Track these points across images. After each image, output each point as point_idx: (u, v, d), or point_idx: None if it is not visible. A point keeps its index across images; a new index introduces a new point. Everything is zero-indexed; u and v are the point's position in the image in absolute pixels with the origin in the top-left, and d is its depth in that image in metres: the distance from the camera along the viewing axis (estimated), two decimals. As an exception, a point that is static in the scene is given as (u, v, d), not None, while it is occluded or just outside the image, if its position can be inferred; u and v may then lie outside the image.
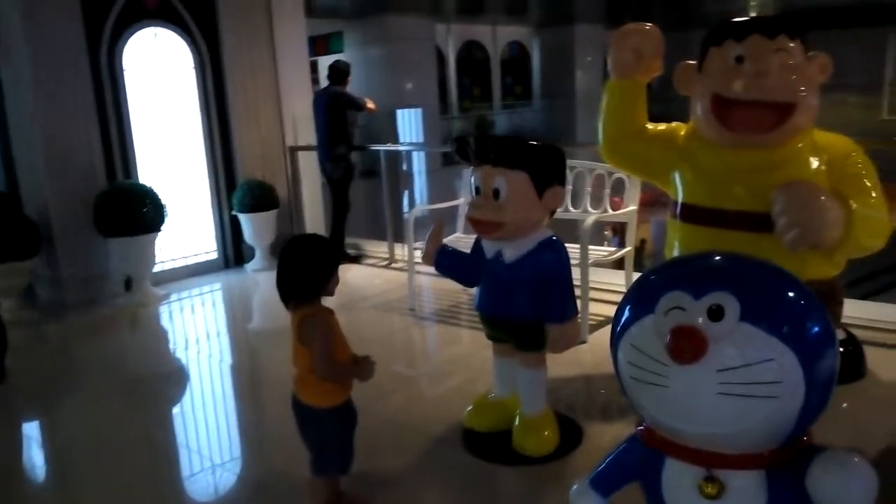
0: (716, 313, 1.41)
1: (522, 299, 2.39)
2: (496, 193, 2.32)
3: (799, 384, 1.40)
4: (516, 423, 2.57)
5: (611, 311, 4.02)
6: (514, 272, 2.39)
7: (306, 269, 2.10)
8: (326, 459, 2.19)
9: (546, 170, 2.35)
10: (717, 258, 1.61)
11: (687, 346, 1.39)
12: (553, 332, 2.37)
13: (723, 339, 1.39)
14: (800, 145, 2.57)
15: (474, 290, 2.60)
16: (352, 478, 2.29)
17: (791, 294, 1.49)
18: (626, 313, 1.59)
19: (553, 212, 2.44)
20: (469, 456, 2.59)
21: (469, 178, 2.44)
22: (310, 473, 2.23)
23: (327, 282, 2.13)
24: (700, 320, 1.41)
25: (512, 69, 17.56)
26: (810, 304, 1.48)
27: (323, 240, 2.18)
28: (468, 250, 2.62)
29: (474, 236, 2.56)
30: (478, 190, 2.38)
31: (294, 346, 2.14)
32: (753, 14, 16.97)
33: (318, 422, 2.17)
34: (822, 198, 2.33)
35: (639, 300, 1.59)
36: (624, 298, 1.65)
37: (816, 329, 1.44)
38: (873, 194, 2.50)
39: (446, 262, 2.59)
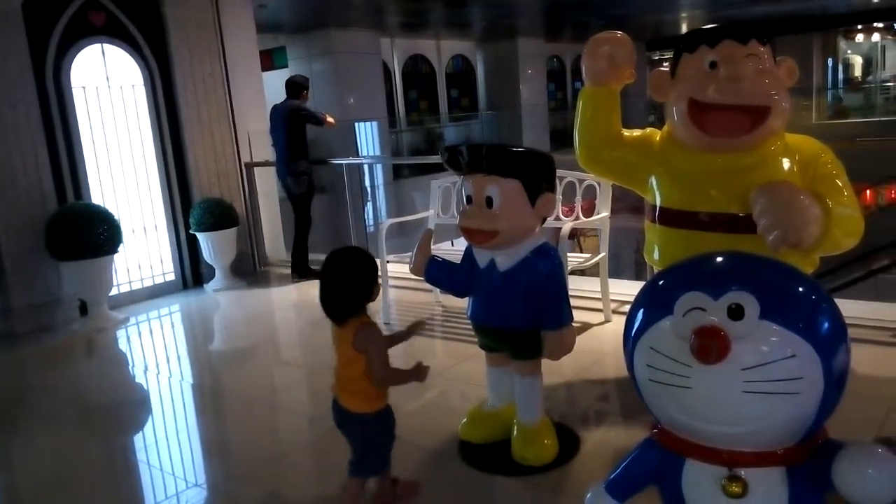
0: (736, 312, 1.42)
1: (518, 308, 2.37)
2: (489, 202, 2.30)
3: (818, 379, 1.42)
4: (515, 433, 2.54)
5: (587, 317, 4.12)
6: (508, 281, 2.37)
7: (356, 282, 2.14)
8: (370, 462, 2.25)
9: (538, 177, 2.34)
10: (728, 258, 1.63)
11: (712, 345, 1.39)
12: (550, 340, 2.36)
13: (745, 338, 1.40)
14: (773, 147, 2.62)
15: (465, 301, 2.57)
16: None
17: (805, 290, 1.52)
18: (640, 317, 1.59)
19: (545, 219, 2.44)
20: (468, 468, 2.56)
21: (459, 186, 2.41)
22: (348, 474, 2.28)
23: (373, 290, 2.16)
24: (720, 320, 1.43)
25: (457, 82, 17.66)
26: (823, 298, 1.51)
27: (362, 252, 2.22)
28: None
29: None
30: (469, 199, 2.36)
31: (345, 355, 2.16)
32: (685, 27, 17.53)
33: (364, 427, 2.21)
34: (801, 197, 2.38)
35: (653, 303, 1.59)
36: (635, 302, 1.65)
37: (831, 323, 1.47)
38: (846, 193, 2.57)
39: (437, 272, 2.56)
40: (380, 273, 2.22)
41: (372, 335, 2.12)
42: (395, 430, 2.29)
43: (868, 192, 12.85)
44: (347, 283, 2.13)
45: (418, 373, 2.21)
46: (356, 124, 12.90)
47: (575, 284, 4.23)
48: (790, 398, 1.41)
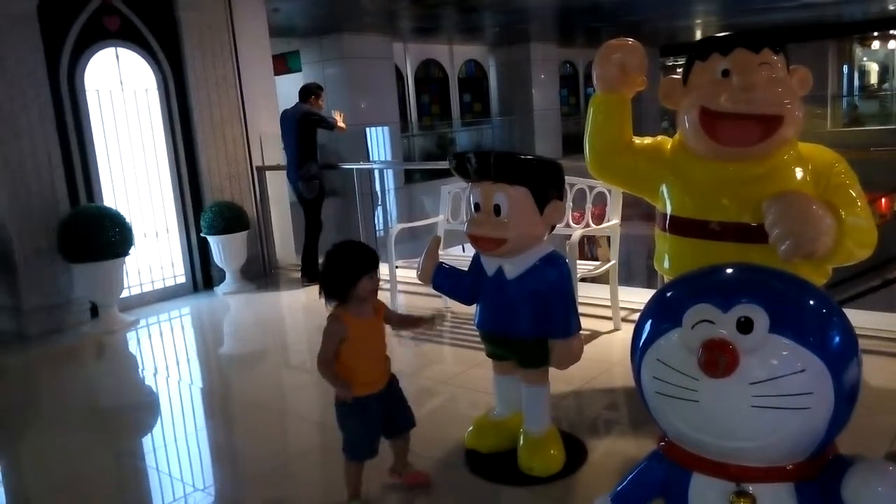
0: (745, 325, 1.40)
1: (526, 316, 2.35)
2: (497, 209, 2.29)
3: (829, 394, 1.40)
4: (521, 442, 2.52)
5: (596, 325, 4.09)
6: (516, 289, 2.35)
7: (329, 273, 2.24)
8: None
9: (546, 184, 2.33)
10: (738, 270, 1.61)
11: (721, 359, 1.38)
12: (557, 348, 2.34)
13: (753, 352, 1.39)
14: (785, 157, 2.59)
15: (474, 308, 2.56)
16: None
17: (815, 303, 1.50)
18: (648, 328, 1.57)
19: (553, 227, 2.42)
20: (474, 477, 2.54)
21: (467, 194, 2.40)
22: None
23: (349, 287, 2.20)
24: (729, 333, 1.41)
25: (470, 87, 17.63)
26: (834, 312, 1.49)
27: (348, 245, 2.28)
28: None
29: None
30: (477, 206, 2.35)
31: None
32: (699, 33, 17.44)
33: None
34: (814, 207, 2.35)
35: (661, 314, 1.58)
36: (643, 313, 1.64)
37: (842, 338, 1.45)
38: (859, 203, 2.53)
39: (444, 280, 2.55)
40: (366, 271, 2.25)
41: (326, 326, 2.25)
42: (347, 421, 2.36)
43: (883, 200, 12.74)
44: (326, 270, 2.27)
45: (342, 389, 2.27)
46: (368, 129, 12.92)
47: (584, 292, 4.21)
48: (799, 413, 1.39)
